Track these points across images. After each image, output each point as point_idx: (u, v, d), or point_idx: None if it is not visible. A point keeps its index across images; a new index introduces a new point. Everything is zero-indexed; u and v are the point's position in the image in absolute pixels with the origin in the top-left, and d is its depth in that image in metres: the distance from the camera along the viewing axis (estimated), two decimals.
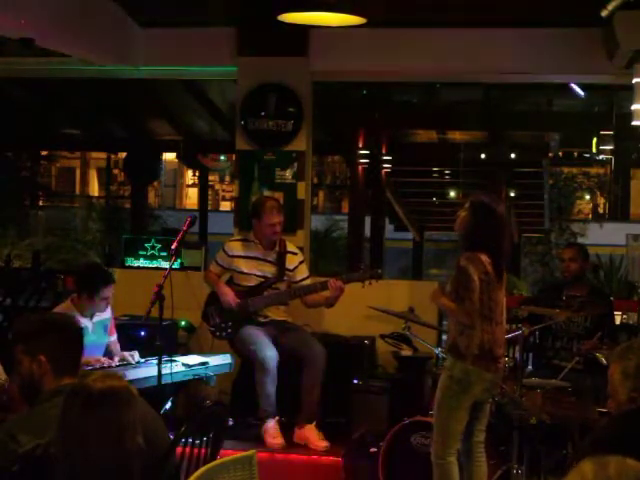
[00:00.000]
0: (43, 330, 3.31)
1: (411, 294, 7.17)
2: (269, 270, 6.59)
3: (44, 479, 2.97)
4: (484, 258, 4.94)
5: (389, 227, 19.01)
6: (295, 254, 6.69)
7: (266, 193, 7.42)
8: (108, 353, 6.01)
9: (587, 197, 26.40)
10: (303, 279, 6.62)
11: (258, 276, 6.58)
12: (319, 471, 6.17)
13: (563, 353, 6.33)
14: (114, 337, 6.09)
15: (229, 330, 6.55)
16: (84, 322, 5.71)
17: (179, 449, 3.51)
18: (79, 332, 3.40)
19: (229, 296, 6.53)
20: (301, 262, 6.70)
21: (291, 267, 6.63)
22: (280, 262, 6.60)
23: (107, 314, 5.99)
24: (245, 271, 6.59)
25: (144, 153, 15.01)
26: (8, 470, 2.99)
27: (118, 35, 7.68)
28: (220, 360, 6.40)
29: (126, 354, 5.95)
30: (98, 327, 5.90)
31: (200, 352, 6.58)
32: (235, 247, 6.68)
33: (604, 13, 6.36)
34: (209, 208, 20.99)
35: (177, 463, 3.47)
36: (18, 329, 3.46)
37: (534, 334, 6.46)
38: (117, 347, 6.05)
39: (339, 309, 6.58)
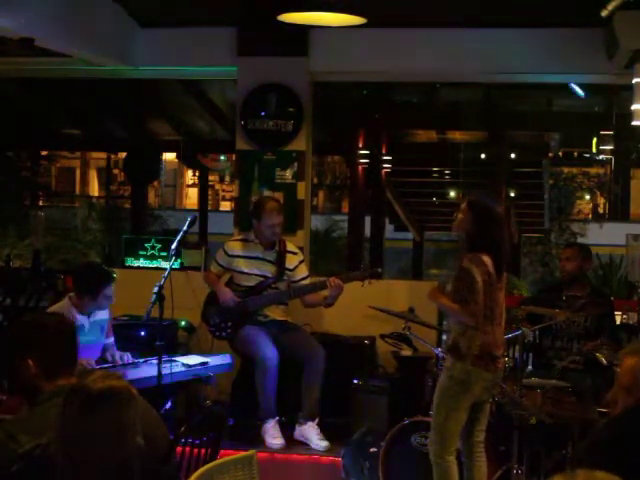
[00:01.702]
0: (28, 334, 3.29)
1: (411, 294, 7.17)
2: (269, 269, 6.59)
3: (44, 479, 2.97)
4: (486, 259, 4.94)
5: (389, 227, 19.00)
6: (295, 254, 6.70)
7: (266, 193, 7.42)
8: (104, 354, 5.98)
9: (587, 197, 26.39)
10: (303, 279, 6.63)
11: (258, 275, 6.58)
12: (319, 471, 6.17)
13: (563, 354, 6.32)
14: (111, 339, 6.07)
15: (229, 330, 6.55)
16: (81, 320, 5.70)
17: (179, 449, 3.51)
18: (68, 330, 3.35)
19: (227, 296, 6.54)
20: (301, 262, 6.70)
21: (291, 267, 6.63)
22: (280, 262, 6.61)
23: (105, 314, 5.96)
24: (245, 271, 6.59)
25: (144, 153, 15.02)
26: (8, 470, 2.99)
27: (118, 35, 7.68)
28: (220, 360, 6.40)
29: (117, 354, 5.95)
30: (95, 327, 5.87)
31: (200, 352, 6.58)
32: (235, 247, 6.68)
33: (604, 13, 6.36)
34: (209, 208, 20.99)
35: (177, 463, 3.47)
36: (10, 332, 3.46)
37: (534, 334, 6.45)
38: (114, 349, 6.03)
39: (339, 309, 6.58)
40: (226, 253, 6.66)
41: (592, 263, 6.84)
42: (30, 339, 3.27)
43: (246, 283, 6.59)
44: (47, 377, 3.21)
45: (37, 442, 2.99)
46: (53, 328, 3.32)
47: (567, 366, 6.07)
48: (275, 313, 6.62)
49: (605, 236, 20.62)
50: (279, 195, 7.41)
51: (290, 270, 6.63)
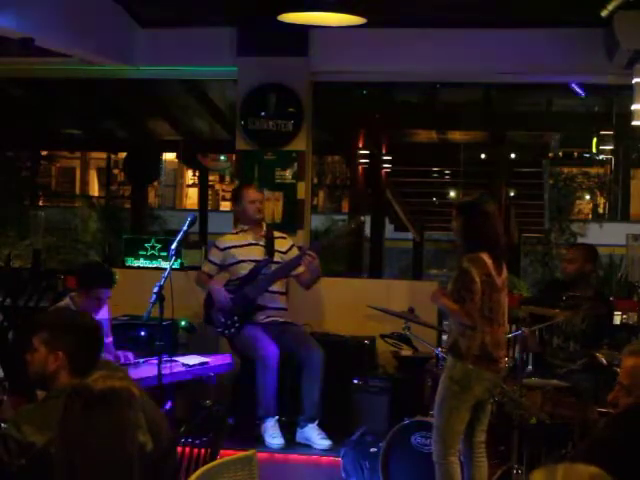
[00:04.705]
0: (71, 328, 3.34)
1: (411, 294, 7.17)
2: (261, 255, 6.64)
3: (44, 478, 2.97)
4: (486, 258, 4.95)
5: (389, 227, 19.01)
6: (284, 238, 6.79)
7: (266, 193, 7.43)
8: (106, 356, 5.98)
9: (587, 197, 26.40)
10: None
11: (252, 261, 6.62)
12: (319, 471, 6.17)
13: (559, 352, 6.29)
14: (110, 339, 6.06)
15: (237, 324, 6.56)
16: None
17: (179, 449, 3.51)
18: (101, 335, 3.43)
19: (220, 294, 6.56)
20: (292, 245, 6.76)
21: (283, 249, 6.70)
22: (269, 245, 6.65)
23: (105, 315, 5.96)
24: (240, 258, 6.64)
25: (144, 153, 15.01)
26: (9, 458, 3.00)
27: (118, 35, 7.68)
28: (220, 360, 6.40)
29: (120, 354, 5.95)
30: None
31: (201, 352, 6.57)
32: (226, 240, 6.76)
33: (604, 13, 6.36)
34: (209, 208, 20.98)
35: (177, 463, 3.47)
36: (46, 318, 3.49)
37: (539, 333, 6.42)
38: (111, 349, 6.03)
39: (339, 309, 6.57)
40: (218, 248, 6.71)
41: (596, 264, 6.66)
42: (73, 336, 3.31)
43: (242, 272, 6.62)
44: (70, 374, 3.23)
45: (38, 437, 3.01)
46: (93, 332, 3.39)
47: (568, 367, 6.05)
48: (275, 301, 6.62)
49: (605, 236, 20.62)
50: (279, 195, 7.44)
51: (283, 253, 6.69)
